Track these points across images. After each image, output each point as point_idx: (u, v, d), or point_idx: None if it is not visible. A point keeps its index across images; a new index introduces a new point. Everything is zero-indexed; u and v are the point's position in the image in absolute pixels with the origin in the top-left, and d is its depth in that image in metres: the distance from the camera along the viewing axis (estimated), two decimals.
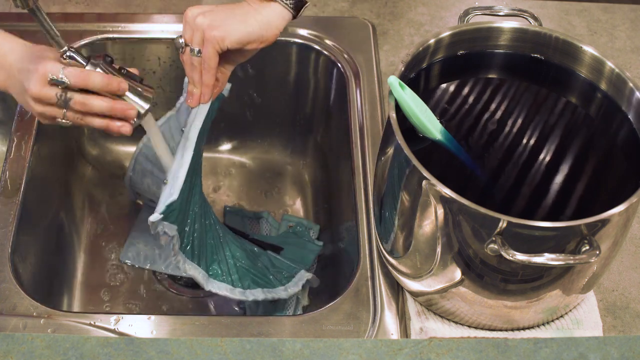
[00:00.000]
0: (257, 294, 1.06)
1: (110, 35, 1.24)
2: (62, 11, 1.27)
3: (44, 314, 0.94)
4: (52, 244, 1.17)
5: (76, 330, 0.92)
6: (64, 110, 0.90)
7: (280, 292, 1.09)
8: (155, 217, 0.93)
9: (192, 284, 1.23)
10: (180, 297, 1.21)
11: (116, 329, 0.93)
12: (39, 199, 1.12)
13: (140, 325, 0.94)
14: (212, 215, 1.11)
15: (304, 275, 1.12)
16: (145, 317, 0.95)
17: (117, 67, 0.91)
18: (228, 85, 1.05)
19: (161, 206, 0.94)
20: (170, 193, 0.96)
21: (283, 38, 1.26)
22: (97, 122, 0.92)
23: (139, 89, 0.92)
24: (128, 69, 0.92)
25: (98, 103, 0.90)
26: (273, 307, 1.16)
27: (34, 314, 0.94)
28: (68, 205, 1.25)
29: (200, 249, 1.04)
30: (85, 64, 0.89)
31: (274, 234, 1.27)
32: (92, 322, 0.93)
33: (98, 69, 0.89)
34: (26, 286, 0.98)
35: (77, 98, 0.89)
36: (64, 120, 0.91)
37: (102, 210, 1.30)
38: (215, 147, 1.38)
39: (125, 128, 0.92)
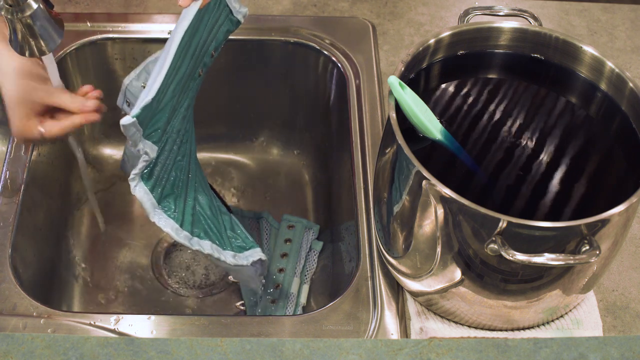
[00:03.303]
0: (204, 246, 0.98)
1: (110, 35, 1.24)
2: (62, 11, 1.27)
3: (44, 314, 0.94)
4: (52, 244, 1.17)
5: (76, 330, 0.92)
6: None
7: (228, 257, 1.00)
8: (127, 119, 0.86)
9: (193, 284, 1.23)
10: (181, 297, 1.21)
11: (116, 329, 0.93)
12: (39, 199, 1.12)
13: (140, 325, 0.94)
14: (191, 149, 1.04)
15: (257, 253, 1.04)
16: (145, 317, 0.95)
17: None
18: (244, 9, 1.01)
19: (136, 109, 0.87)
20: (146, 94, 0.89)
21: (283, 38, 1.26)
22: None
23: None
24: None
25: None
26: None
27: (34, 314, 0.94)
28: (68, 205, 1.25)
29: (160, 176, 0.96)
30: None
31: (273, 234, 1.27)
32: (92, 322, 0.93)
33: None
34: (26, 286, 0.98)
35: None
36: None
37: (103, 210, 1.30)
38: (215, 147, 1.38)
39: (95, 117, 1.02)
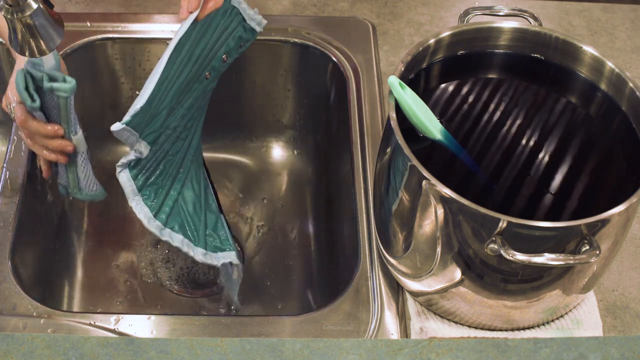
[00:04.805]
0: (175, 239, 1.00)
1: (110, 35, 1.24)
2: (62, 11, 1.27)
3: (44, 314, 0.94)
4: (52, 244, 1.17)
5: (76, 330, 0.92)
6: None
7: (198, 253, 1.02)
8: (116, 126, 0.92)
9: (194, 284, 1.23)
10: (181, 298, 1.21)
11: (116, 329, 0.93)
12: (39, 199, 1.12)
13: (140, 325, 0.94)
14: (190, 145, 1.07)
15: (230, 256, 1.04)
16: (145, 317, 0.95)
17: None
18: (258, 17, 1.06)
19: (126, 116, 0.93)
20: (136, 102, 0.94)
21: (283, 38, 1.26)
22: (41, 153, 1.00)
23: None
24: None
25: (39, 142, 0.98)
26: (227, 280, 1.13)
27: (34, 314, 0.94)
28: (68, 206, 1.25)
29: (146, 166, 1.00)
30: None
31: None
32: (92, 322, 0.93)
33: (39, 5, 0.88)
34: (26, 286, 0.98)
35: (24, 131, 0.99)
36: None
37: (102, 210, 1.30)
38: (215, 147, 1.38)
39: (62, 159, 1.00)
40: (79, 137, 0.99)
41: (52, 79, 0.95)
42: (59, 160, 1.00)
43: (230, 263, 1.05)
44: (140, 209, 1.00)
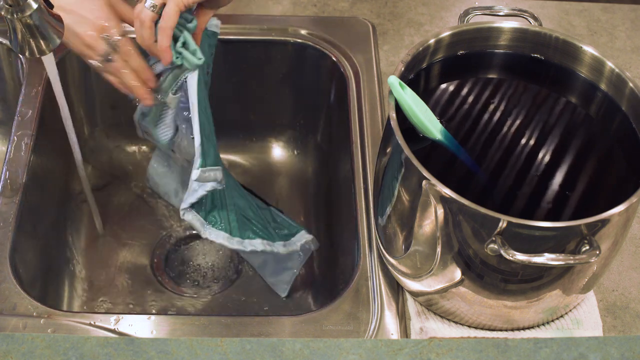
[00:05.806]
0: (256, 245, 1.06)
1: None
2: None
3: (44, 314, 0.94)
4: (52, 244, 1.17)
5: (76, 330, 0.92)
6: (101, 59, 0.97)
7: (279, 247, 1.09)
8: (195, 173, 0.96)
9: (193, 284, 1.23)
10: (181, 297, 1.21)
11: (116, 329, 0.93)
12: (39, 199, 1.12)
13: (140, 325, 0.94)
14: (219, 161, 1.10)
15: (304, 236, 1.13)
16: (145, 317, 0.95)
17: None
18: (215, 21, 1.02)
19: (201, 160, 0.97)
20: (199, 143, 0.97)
21: (283, 38, 1.26)
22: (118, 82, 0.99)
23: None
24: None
25: (126, 77, 0.98)
26: (281, 267, 1.18)
27: (34, 314, 0.94)
28: (68, 205, 1.25)
29: (202, 196, 1.03)
30: None
31: None
32: (92, 322, 0.93)
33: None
34: (26, 286, 0.98)
35: (118, 61, 0.97)
36: (98, 64, 0.98)
37: (102, 210, 1.30)
38: None
39: (148, 101, 0.99)
40: (170, 97, 1.01)
41: (185, 44, 0.95)
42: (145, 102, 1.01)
43: (307, 241, 1.14)
44: (216, 235, 1.02)
